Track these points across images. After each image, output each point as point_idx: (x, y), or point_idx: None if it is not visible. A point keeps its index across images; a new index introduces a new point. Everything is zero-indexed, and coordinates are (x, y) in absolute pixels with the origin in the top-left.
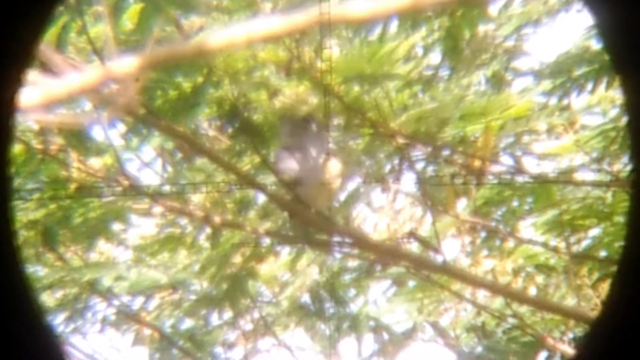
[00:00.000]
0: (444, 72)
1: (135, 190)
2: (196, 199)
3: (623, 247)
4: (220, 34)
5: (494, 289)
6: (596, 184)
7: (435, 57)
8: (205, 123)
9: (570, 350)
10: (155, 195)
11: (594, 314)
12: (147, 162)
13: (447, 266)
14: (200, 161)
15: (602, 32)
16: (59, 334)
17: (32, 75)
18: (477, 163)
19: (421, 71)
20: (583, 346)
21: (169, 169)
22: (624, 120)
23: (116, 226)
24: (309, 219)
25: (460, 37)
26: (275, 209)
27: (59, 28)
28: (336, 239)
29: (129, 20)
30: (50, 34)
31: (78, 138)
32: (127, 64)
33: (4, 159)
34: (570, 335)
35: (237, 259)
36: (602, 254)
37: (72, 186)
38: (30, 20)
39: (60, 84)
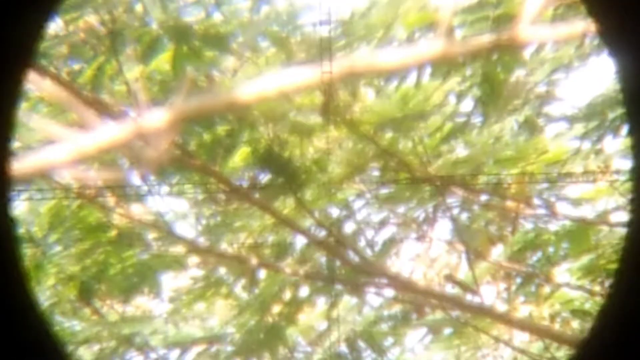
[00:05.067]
0: (477, 119)
1: (172, 239)
2: (231, 249)
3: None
4: (252, 86)
5: (535, 330)
6: None
7: (467, 104)
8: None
9: None
10: (192, 246)
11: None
12: (181, 215)
13: (486, 308)
14: (235, 209)
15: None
16: None
17: (64, 132)
18: (512, 208)
19: (454, 117)
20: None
21: (203, 221)
22: None
23: (152, 279)
24: (347, 262)
25: (497, 81)
26: (313, 253)
27: (94, 70)
28: (375, 281)
29: (164, 62)
30: (86, 77)
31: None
32: (157, 119)
33: (5, 171)
34: None
35: (275, 308)
36: None
37: (114, 233)
38: (26, 33)
39: (91, 140)
